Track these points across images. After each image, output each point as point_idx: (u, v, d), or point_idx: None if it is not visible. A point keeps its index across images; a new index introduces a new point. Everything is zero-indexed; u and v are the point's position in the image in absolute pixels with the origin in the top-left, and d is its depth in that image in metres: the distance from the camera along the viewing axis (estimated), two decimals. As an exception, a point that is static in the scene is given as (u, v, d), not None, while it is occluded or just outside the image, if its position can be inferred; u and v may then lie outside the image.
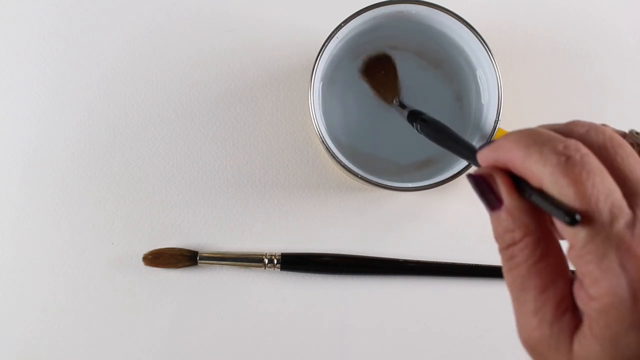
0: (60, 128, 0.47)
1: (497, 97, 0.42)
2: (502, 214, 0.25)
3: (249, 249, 0.46)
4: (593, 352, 0.23)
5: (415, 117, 0.40)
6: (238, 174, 0.47)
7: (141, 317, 0.46)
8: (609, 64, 0.49)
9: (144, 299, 0.46)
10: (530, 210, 0.25)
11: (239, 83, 0.48)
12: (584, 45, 0.49)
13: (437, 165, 0.44)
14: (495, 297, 0.47)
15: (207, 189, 0.47)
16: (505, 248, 0.25)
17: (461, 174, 0.41)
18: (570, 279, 0.25)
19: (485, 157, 0.26)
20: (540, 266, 0.24)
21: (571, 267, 0.25)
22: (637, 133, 0.28)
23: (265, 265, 0.45)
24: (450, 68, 0.45)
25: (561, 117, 0.28)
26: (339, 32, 0.42)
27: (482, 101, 0.44)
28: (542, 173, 0.23)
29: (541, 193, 0.23)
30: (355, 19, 0.42)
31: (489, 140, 0.27)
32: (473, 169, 0.41)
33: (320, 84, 0.44)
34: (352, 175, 0.42)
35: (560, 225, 0.23)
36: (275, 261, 0.45)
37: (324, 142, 0.42)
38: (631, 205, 0.23)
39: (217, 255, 0.46)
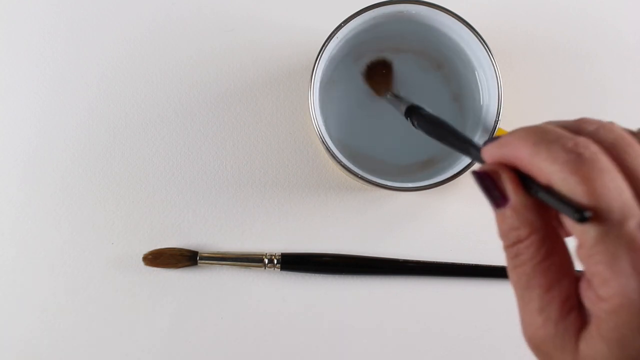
0: (60, 128, 0.47)
1: (497, 97, 0.42)
2: (508, 211, 0.25)
3: (249, 249, 0.46)
4: (600, 352, 0.23)
5: (412, 112, 0.40)
6: (238, 174, 0.47)
7: (141, 317, 0.46)
8: (609, 64, 0.49)
9: (144, 299, 0.46)
10: (536, 208, 0.24)
11: (239, 83, 0.48)
12: (584, 45, 0.49)
13: (437, 165, 0.44)
14: (495, 297, 0.47)
15: (207, 189, 0.47)
16: (510, 246, 0.25)
17: (461, 174, 0.41)
18: (575, 277, 0.25)
19: (490, 153, 0.26)
20: (546, 264, 0.24)
21: (578, 266, 0.25)
22: None
23: (265, 265, 0.45)
24: (450, 68, 0.45)
25: (561, 117, 0.28)
26: (339, 32, 0.42)
27: (482, 101, 0.44)
28: (551, 170, 0.23)
29: (549, 190, 0.23)
30: (355, 19, 0.42)
31: (493, 137, 0.26)
32: (477, 166, 0.41)
33: (320, 84, 0.44)
34: (352, 175, 0.42)
35: (569, 223, 0.23)
36: (275, 261, 0.45)
37: (324, 142, 0.42)
38: None
39: (217, 255, 0.46)
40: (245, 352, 0.46)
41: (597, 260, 0.22)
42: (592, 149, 0.23)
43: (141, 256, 0.45)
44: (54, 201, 0.46)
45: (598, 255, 0.22)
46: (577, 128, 0.25)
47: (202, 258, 0.45)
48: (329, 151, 0.41)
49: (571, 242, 0.25)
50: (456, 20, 0.42)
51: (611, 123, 0.25)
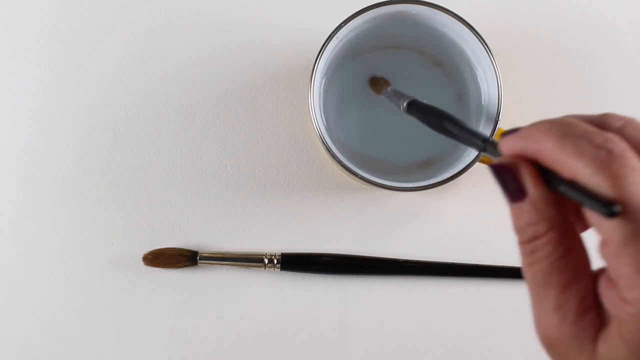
0: (60, 128, 0.47)
1: (497, 97, 0.42)
2: (526, 205, 0.24)
3: (249, 249, 0.46)
4: (620, 355, 0.22)
5: (414, 106, 0.39)
6: (238, 174, 0.47)
7: (141, 317, 0.46)
8: (609, 64, 0.49)
9: (144, 299, 0.46)
10: (555, 203, 0.24)
11: (239, 83, 0.48)
12: (584, 45, 0.49)
13: (437, 165, 0.44)
14: (495, 297, 0.47)
15: (207, 189, 0.47)
16: (526, 242, 0.24)
17: (461, 174, 0.41)
18: (593, 276, 0.24)
19: (509, 145, 0.25)
20: (564, 262, 0.24)
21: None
22: None
23: (265, 265, 0.45)
24: (450, 68, 0.45)
25: (561, 117, 0.27)
26: (339, 32, 0.42)
27: (482, 101, 0.44)
28: (577, 165, 0.22)
29: (574, 184, 0.22)
30: (355, 19, 0.42)
31: (511, 129, 0.25)
32: (474, 161, 0.41)
33: (320, 84, 0.44)
34: (352, 175, 0.42)
35: (593, 219, 0.22)
36: (275, 261, 0.45)
37: (324, 142, 0.42)
38: None
39: (217, 255, 0.46)
40: (245, 352, 0.46)
41: (625, 262, 0.22)
42: (622, 146, 0.22)
43: (141, 256, 0.45)
44: (54, 201, 0.46)
45: (626, 257, 0.21)
46: (602, 123, 0.24)
47: (202, 258, 0.45)
48: (329, 151, 0.41)
49: (585, 236, 0.25)
50: (456, 20, 0.42)
51: (636, 120, 0.24)
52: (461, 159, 0.42)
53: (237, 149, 0.47)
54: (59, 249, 0.46)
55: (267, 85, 0.48)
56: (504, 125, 0.42)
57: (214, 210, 0.47)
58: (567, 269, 0.24)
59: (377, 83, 0.44)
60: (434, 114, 0.36)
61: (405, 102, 0.39)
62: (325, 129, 0.44)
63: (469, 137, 0.31)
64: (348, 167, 0.41)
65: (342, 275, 0.46)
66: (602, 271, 0.24)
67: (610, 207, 0.21)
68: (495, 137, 0.41)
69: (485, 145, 0.29)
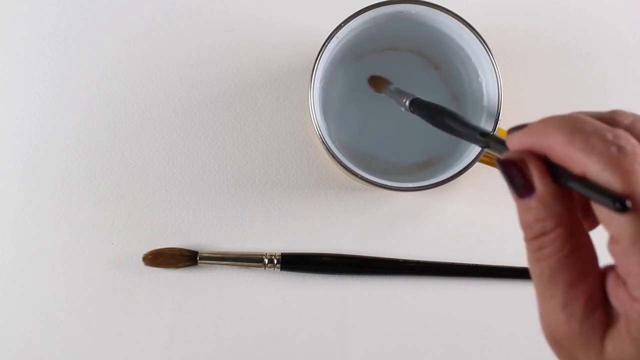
0: (60, 128, 0.47)
1: (497, 97, 0.42)
2: (533, 201, 0.24)
3: (249, 249, 0.46)
4: (628, 354, 0.22)
5: (416, 104, 0.38)
6: (238, 174, 0.47)
7: (141, 317, 0.46)
8: (609, 64, 0.49)
9: (144, 299, 0.46)
10: (563, 199, 0.23)
11: (239, 83, 0.48)
12: (584, 45, 0.49)
13: (437, 165, 0.44)
14: (495, 297, 0.47)
15: (207, 189, 0.47)
16: (533, 238, 0.24)
17: (461, 174, 0.41)
18: (600, 273, 0.24)
19: (517, 141, 0.25)
20: (571, 259, 0.23)
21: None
22: None
23: (265, 265, 0.45)
24: (450, 68, 0.45)
25: (561, 117, 0.27)
26: (339, 32, 0.42)
27: (482, 101, 0.44)
28: (587, 161, 0.22)
29: (583, 180, 0.22)
30: (355, 19, 0.42)
31: (519, 125, 0.25)
32: (476, 157, 0.41)
33: (320, 84, 0.44)
34: (352, 175, 0.42)
35: (603, 216, 0.22)
36: (275, 261, 0.45)
37: (324, 142, 0.42)
38: None
39: (217, 255, 0.46)
40: (245, 352, 0.46)
41: (635, 260, 0.21)
42: (633, 142, 0.22)
43: (141, 256, 0.45)
44: (54, 201, 0.46)
45: (636, 255, 0.21)
46: (612, 120, 0.24)
47: (202, 258, 0.45)
48: (329, 151, 0.41)
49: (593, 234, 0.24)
50: (456, 20, 0.42)
51: None
52: (461, 159, 0.42)
53: (237, 149, 0.47)
54: (59, 249, 0.46)
55: (267, 85, 0.48)
56: (504, 125, 0.42)
57: (214, 210, 0.47)
58: (574, 266, 0.23)
59: (378, 82, 0.44)
60: (437, 110, 0.36)
61: (408, 100, 0.39)
62: (325, 129, 0.44)
63: (472, 132, 0.31)
64: (348, 167, 0.41)
65: (342, 275, 0.46)
66: (610, 269, 0.24)
67: (621, 202, 0.21)
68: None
69: (488, 141, 0.29)
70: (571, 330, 0.23)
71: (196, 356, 0.46)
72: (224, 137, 0.47)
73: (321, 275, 0.46)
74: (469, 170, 0.41)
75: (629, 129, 0.23)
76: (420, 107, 0.38)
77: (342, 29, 0.42)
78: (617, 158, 0.22)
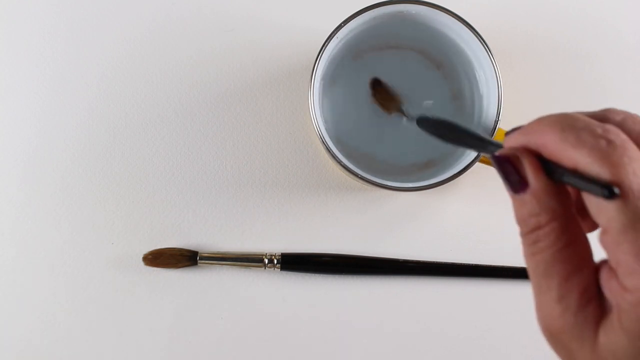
0: (60, 128, 0.47)
1: (497, 97, 0.42)
2: (527, 196, 0.24)
3: (249, 249, 0.46)
4: (620, 344, 0.23)
5: (423, 122, 0.39)
6: (238, 174, 0.47)
7: (141, 317, 0.46)
8: (609, 64, 0.49)
9: (144, 299, 0.46)
10: (557, 194, 0.24)
11: (239, 83, 0.48)
12: (584, 45, 0.49)
13: (437, 165, 0.44)
14: (495, 297, 0.47)
15: (207, 189, 0.47)
16: (528, 232, 0.24)
17: (461, 174, 0.41)
18: (594, 267, 0.24)
19: (513, 140, 0.25)
20: (566, 252, 0.24)
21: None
22: None
23: (265, 265, 0.45)
24: (450, 68, 0.45)
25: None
26: (339, 32, 0.42)
27: (482, 101, 0.44)
28: (578, 155, 0.23)
29: (575, 172, 0.23)
30: (355, 19, 0.42)
31: (517, 127, 0.26)
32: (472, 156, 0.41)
33: (320, 84, 0.44)
34: (352, 175, 0.42)
35: (594, 208, 0.23)
36: (275, 261, 0.45)
37: (324, 142, 0.42)
38: None
39: (217, 255, 0.46)
40: (245, 352, 0.46)
41: (624, 249, 0.22)
42: (622, 137, 0.23)
43: (141, 256, 0.45)
44: (54, 201, 0.46)
45: (625, 244, 0.22)
46: (604, 117, 0.25)
47: (202, 258, 0.45)
48: (329, 151, 0.41)
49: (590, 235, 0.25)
50: (456, 20, 0.42)
51: (636, 114, 0.25)
52: (461, 159, 0.42)
53: (237, 149, 0.47)
54: (59, 249, 0.46)
55: (267, 85, 0.48)
56: (504, 125, 0.42)
57: (214, 210, 0.47)
58: (569, 260, 0.24)
59: (386, 100, 0.44)
60: (445, 125, 0.36)
61: (413, 119, 0.40)
62: (325, 129, 0.44)
63: (483, 144, 0.32)
64: (348, 167, 0.41)
65: (342, 275, 0.46)
66: (604, 262, 0.24)
67: (609, 189, 0.21)
68: (496, 138, 0.41)
69: (495, 149, 0.30)
70: (566, 323, 0.24)
71: (196, 356, 0.46)
72: (224, 137, 0.47)
73: (321, 275, 0.46)
74: (469, 170, 0.41)
75: (620, 125, 0.24)
76: (427, 124, 0.38)
77: (342, 29, 0.42)
78: (606, 151, 0.22)
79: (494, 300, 0.46)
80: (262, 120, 0.47)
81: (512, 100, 0.45)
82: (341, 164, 0.41)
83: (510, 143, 0.26)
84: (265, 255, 0.45)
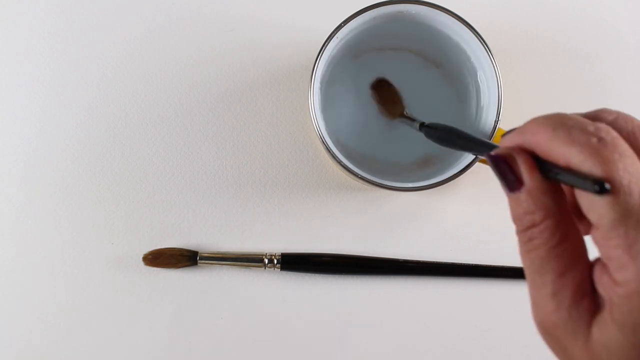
0: (60, 128, 0.47)
1: (497, 97, 0.42)
2: (522, 195, 0.25)
3: (249, 249, 0.46)
4: (612, 338, 0.23)
5: (425, 128, 0.40)
6: (238, 174, 0.47)
7: (141, 317, 0.46)
8: (609, 64, 0.49)
9: (144, 299, 0.46)
10: (551, 192, 0.24)
11: (239, 83, 0.48)
12: (584, 45, 0.49)
13: (437, 165, 0.44)
14: (495, 297, 0.47)
15: (207, 189, 0.47)
16: (524, 230, 0.25)
17: (461, 174, 0.41)
18: (589, 263, 0.25)
19: (509, 140, 0.26)
20: (560, 249, 0.24)
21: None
22: None
23: (265, 265, 0.45)
24: (450, 68, 0.45)
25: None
26: (339, 32, 0.42)
27: (482, 101, 0.44)
28: (570, 153, 0.23)
29: (568, 170, 0.23)
30: (355, 19, 0.42)
31: (513, 128, 0.27)
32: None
33: (320, 84, 0.44)
34: (352, 175, 0.42)
35: (586, 204, 0.23)
36: (275, 261, 0.45)
37: (324, 142, 0.42)
38: None
39: (217, 255, 0.46)
40: (245, 352, 0.46)
41: (615, 244, 0.22)
42: (613, 134, 0.23)
43: (141, 256, 0.45)
44: (54, 201, 0.46)
45: (616, 239, 0.22)
46: (596, 117, 0.25)
47: (202, 258, 0.45)
48: (329, 151, 0.41)
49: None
50: (456, 20, 0.42)
51: (629, 114, 0.25)
52: (461, 159, 0.42)
53: (237, 149, 0.47)
54: (59, 249, 0.46)
55: (267, 85, 0.48)
56: (504, 125, 0.42)
57: (214, 210, 0.47)
58: (563, 256, 0.24)
59: (389, 104, 0.44)
60: (447, 131, 0.37)
61: (416, 125, 0.40)
62: (325, 129, 0.44)
63: (483, 148, 0.32)
64: (348, 167, 0.41)
65: (342, 275, 0.46)
66: (598, 259, 0.24)
67: (600, 184, 0.22)
68: (496, 138, 0.41)
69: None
70: (560, 318, 0.24)
71: (196, 356, 0.46)
72: (224, 137, 0.47)
73: (321, 275, 0.46)
74: (469, 170, 0.41)
75: (612, 124, 0.24)
76: (430, 130, 0.39)
77: (342, 29, 0.42)
78: (597, 148, 0.23)
79: (494, 300, 0.46)
80: (262, 120, 0.47)
81: (512, 100, 0.45)
82: (341, 164, 0.41)
83: (505, 143, 0.26)
84: (265, 255, 0.45)
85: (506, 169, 0.25)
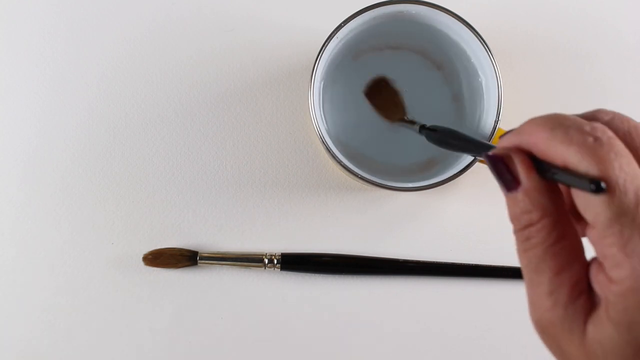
0: (60, 128, 0.47)
1: (497, 97, 0.42)
2: (520, 194, 0.25)
3: (249, 249, 0.46)
4: (608, 335, 0.23)
5: (424, 131, 0.40)
6: (238, 174, 0.47)
7: (141, 317, 0.46)
8: (609, 64, 0.49)
9: (144, 299, 0.46)
10: (548, 192, 0.25)
11: (239, 83, 0.48)
12: (584, 45, 0.49)
13: (437, 166, 0.44)
14: (495, 297, 0.47)
15: (207, 189, 0.47)
16: (521, 229, 0.25)
17: (461, 174, 0.41)
18: (586, 262, 0.25)
19: (507, 141, 0.26)
20: (557, 248, 0.24)
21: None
22: None
23: (265, 265, 0.45)
24: (450, 68, 0.45)
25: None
26: (339, 32, 0.42)
27: (482, 101, 0.44)
28: (567, 152, 0.23)
29: (565, 169, 0.23)
30: (355, 19, 0.42)
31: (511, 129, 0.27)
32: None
33: (320, 84, 0.44)
34: (352, 175, 0.42)
35: (582, 204, 0.23)
36: (275, 261, 0.45)
37: (324, 142, 0.42)
38: None
39: (217, 255, 0.46)
40: (245, 352, 0.46)
41: (610, 242, 0.23)
42: (609, 134, 0.23)
43: (141, 256, 0.45)
44: (54, 201, 0.46)
45: (611, 237, 0.22)
46: (593, 117, 0.25)
47: (202, 258, 0.45)
48: (329, 151, 0.41)
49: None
50: (456, 20, 0.42)
51: (625, 115, 0.25)
52: (461, 159, 0.42)
53: (237, 149, 0.47)
54: (59, 249, 0.46)
55: (267, 85, 0.48)
56: (504, 125, 0.42)
57: (214, 210, 0.47)
58: (560, 255, 0.24)
59: (388, 108, 0.44)
60: (446, 133, 0.37)
61: (416, 127, 0.41)
62: (325, 129, 0.44)
63: (483, 148, 0.32)
64: (348, 167, 0.41)
65: (342, 275, 0.46)
66: (594, 259, 0.25)
67: (596, 183, 0.22)
68: (496, 137, 0.42)
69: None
70: (556, 316, 0.24)
71: (196, 356, 0.46)
72: (224, 137, 0.47)
73: (321, 275, 0.46)
74: (469, 170, 0.41)
75: (608, 124, 0.25)
76: (430, 133, 0.39)
77: (342, 29, 0.42)
78: (593, 147, 0.23)
79: (494, 300, 0.46)
80: (262, 120, 0.47)
81: (512, 100, 0.45)
82: (341, 164, 0.41)
83: (503, 144, 0.26)
84: (265, 255, 0.45)
85: (503, 169, 0.26)
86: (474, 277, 0.47)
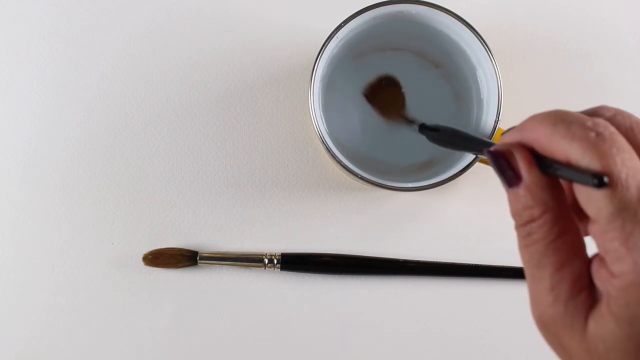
0: (60, 128, 0.47)
1: (497, 97, 0.42)
2: (521, 190, 0.25)
3: (249, 249, 0.46)
4: (609, 330, 0.23)
5: (425, 130, 0.40)
6: (238, 174, 0.47)
7: (141, 317, 0.46)
8: (609, 64, 0.49)
9: (144, 299, 0.46)
10: (550, 187, 0.25)
11: (239, 83, 0.48)
12: (584, 45, 0.49)
13: (437, 166, 0.44)
14: (495, 297, 0.47)
15: (207, 189, 0.47)
16: (522, 225, 0.25)
17: (461, 173, 0.41)
18: (587, 258, 0.25)
19: (508, 137, 0.26)
20: (558, 243, 0.24)
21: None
22: None
23: (265, 265, 0.45)
24: (450, 68, 0.45)
25: (561, 117, 0.28)
26: (339, 32, 0.42)
27: (482, 101, 0.44)
28: (569, 147, 0.23)
29: (567, 165, 0.24)
30: (355, 19, 0.42)
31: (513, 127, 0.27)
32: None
33: (320, 84, 0.44)
34: (352, 175, 0.42)
35: (584, 199, 0.23)
36: (275, 261, 0.45)
37: (324, 142, 0.42)
38: None
39: (217, 255, 0.46)
40: (245, 352, 0.46)
41: (612, 236, 0.23)
42: (611, 129, 0.23)
43: (141, 256, 0.45)
44: (54, 201, 0.46)
45: (613, 232, 0.22)
46: (595, 113, 0.26)
47: (202, 258, 0.45)
48: (329, 151, 0.41)
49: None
50: (456, 20, 0.42)
51: (627, 111, 0.26)
52: (461, 159, 0.42)
53: (237, 149, 0.47)
54: (59, 249, 0.46)
55: (267, 85, 0.48)
56: (504, 125, 0.42)
57: (214, 210, 0.47)
58: (561, 250, 0.24)
59: (387, 108, 0.44)
60: (446, 131, 0.37)
61: (416, 126, 0.41)
62: (325, 129, 0.44)
63: (483, 146, 0.32)
64: (348, 167, 0.41)
65: (342, 275, 0.46)
66: (596, 255, 0.25)
67: (599, 178, 0.22)
68: (496, 137, 0.42)
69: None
70: (557, 312, 0.24)
71: (196, 356, 0.46)
72: (224, 137, 0.47)
73: (321, 275, 0.46)
74: (469, 170, 0.41)
75: (610, 120, 0.25)
76: (430, 132, 0.39)
77: (342, 29, 0.42)
78: (595, 142, 0.23)
79: (494, 300, 0.46)
80: (262, 120, 0.47)
81: (512, 100, 0.45)
82: (341, 164, 0.41)
83: (505, 140, 0.27)
84: (265, 255, 0.45)
85: (505, 165, 0.26)
86: (474, 277, 0.47)
